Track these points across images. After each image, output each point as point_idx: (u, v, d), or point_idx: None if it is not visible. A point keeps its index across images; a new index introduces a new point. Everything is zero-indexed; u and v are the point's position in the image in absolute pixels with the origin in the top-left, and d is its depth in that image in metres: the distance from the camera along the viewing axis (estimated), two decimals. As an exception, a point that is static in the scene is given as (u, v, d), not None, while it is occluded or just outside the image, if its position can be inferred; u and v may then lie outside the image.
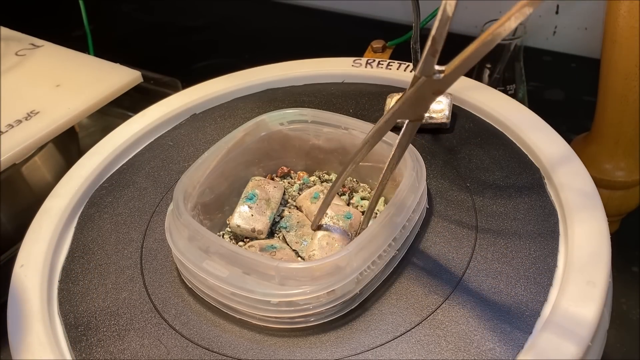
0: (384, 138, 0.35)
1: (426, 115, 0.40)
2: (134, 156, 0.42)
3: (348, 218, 0.34)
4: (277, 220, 0.36)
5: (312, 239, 0.33)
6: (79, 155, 0.42)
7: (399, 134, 0.29)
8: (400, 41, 0.52)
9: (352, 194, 0.38)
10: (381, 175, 0.31)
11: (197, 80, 0.48)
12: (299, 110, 0.38)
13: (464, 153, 0.39)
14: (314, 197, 0.36)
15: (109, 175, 0.41)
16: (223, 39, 0.80)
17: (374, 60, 0.47)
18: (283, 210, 0.37)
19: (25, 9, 0.90)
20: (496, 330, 0.29)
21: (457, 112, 0.42)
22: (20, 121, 0.47)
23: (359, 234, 0.33)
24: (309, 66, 0.48)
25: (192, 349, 0.30)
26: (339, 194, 0.37)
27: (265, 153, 0.39)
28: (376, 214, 0.36)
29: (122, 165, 0.42)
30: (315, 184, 0.38)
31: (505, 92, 0.50)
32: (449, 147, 0.39)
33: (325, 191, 0.36)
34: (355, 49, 0.51)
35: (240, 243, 0.35)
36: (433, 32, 0.24)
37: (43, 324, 0.31)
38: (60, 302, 0.33)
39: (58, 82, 0.51)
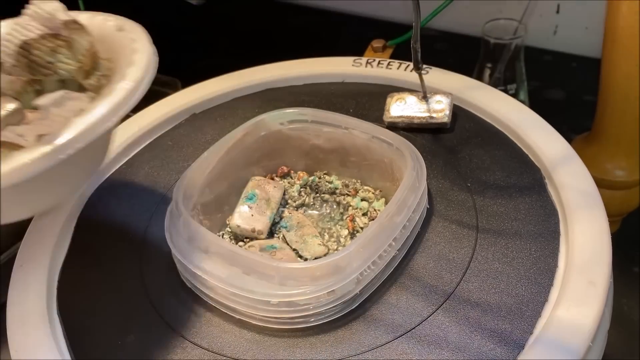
0: (383, 137, 0.35)
1: (427, 115, 0.40)
2: (134, 156, 0.42)
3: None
4: (277, 220, 0.36)
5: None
6: (79, 155, 0.42)
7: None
8: (401, 41, 0.52)
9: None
10: None
11: (196, 80, 0.47)
12: (299, 110, 0.38)
13: (464, 153, 0.39)
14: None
15: (108, 175, 0.41)
16: (223, 39, 0.80)
17: (374, 60, 0.47)
18: (283, 211, 0.37)
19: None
20: (497, 330, 0.29)
21: (457, 112, 0.42)
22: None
23: None
24: (309, 66, 0.48)
25: (192, 349, 0.30)
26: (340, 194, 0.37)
27: (265, 153, 0.39)
28: (377, 212, 0.36)
29: (122, 165, 0.42)
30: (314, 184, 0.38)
31: (506, 91, 0.50)
32: (449, 147, 0.39)
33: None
34: (355, 49, 0.51)
35: (240, 243, 0.35)
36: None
37: (43, 324, 0.31)
38: (60, 302, 0.33)
39: (58, 82, 0.51)
